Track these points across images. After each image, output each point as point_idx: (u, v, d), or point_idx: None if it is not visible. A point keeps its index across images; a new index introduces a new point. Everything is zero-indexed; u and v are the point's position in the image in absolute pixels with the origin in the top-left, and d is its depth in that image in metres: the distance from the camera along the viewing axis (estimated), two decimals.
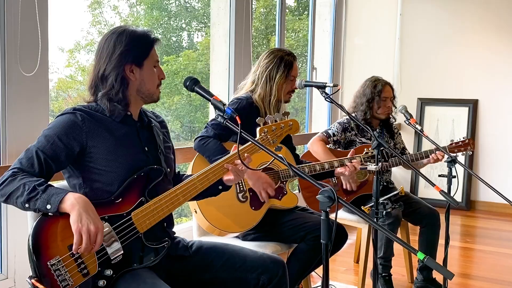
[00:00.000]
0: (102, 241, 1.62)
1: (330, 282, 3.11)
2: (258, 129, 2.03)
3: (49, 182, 1.67)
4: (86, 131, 1.75)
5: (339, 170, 2.75)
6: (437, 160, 3.18)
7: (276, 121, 2.07)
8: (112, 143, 1.79)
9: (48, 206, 1.59)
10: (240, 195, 2.53)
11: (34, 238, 1.61)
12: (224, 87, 3.94)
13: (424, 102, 6.04)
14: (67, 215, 1.59)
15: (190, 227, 2.91)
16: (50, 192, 1.60)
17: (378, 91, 3.36)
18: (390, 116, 3.49)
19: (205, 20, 4.66)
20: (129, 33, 1.83)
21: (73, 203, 1.58)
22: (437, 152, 3.17)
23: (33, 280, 1.58)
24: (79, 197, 1.61)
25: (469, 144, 3.19)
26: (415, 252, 1.41)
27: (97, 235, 1.59)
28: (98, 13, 4.00)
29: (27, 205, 1.61)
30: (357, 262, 3.82)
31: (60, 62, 3.64)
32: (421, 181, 5.94)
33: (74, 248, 1.58)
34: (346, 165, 2.72)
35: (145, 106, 1.99)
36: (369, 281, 3.27)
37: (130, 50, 1.80)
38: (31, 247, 1.60)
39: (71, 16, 3.55)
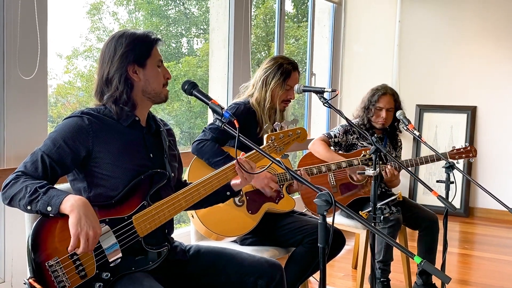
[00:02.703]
0: (95, 243, 1.61)
1: None
2: (265, 136, 2.03)
3: (50, 185, 1.66)
4: (93, 136, 1.75)
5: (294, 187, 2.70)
6: (392, 174, 3.11)
7: (284, 128, 2.07)
8: (117, 148, 1.79)
9: (49, 208, 1.59)
10: (236, 199, 2.53)
11: (34, 238, 1.61)
12: (223, 92, 3.94)
13: (422, 109, 6.04)
14: (67, 217, 1.59)
15: (188, 231, 2.90)
16: (50, 194, 1.60)
17: (374, 101, 3.36)
18: (397, 128, 3.46)
19: (204, 26, 4.66)
20: (129, 35, 1.84)
21: (72, 205, 1.58)
22: (387, 168, 3.12)
23: (30, 280, 1.58)
24: (79, 199, 1.61)
25: (471, 151, 3.17)
26: (412, 256, 1.41)
27: (95, 239, 1.59)
28: (97, 19, 4.01)
29: (29, 207, 1.61)
30: (355, 268, 3.81)
31: (58, 68, 3.65)
32: (419, 187, 5.93)
33: (69, 250, 1.58)
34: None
35: (153, 111, 1.99)
36: (367, 287, 3.26)
37: (130, 51, 1.81)
38: (30, 247, 1.60)
39: (70, 21, 3.56)
